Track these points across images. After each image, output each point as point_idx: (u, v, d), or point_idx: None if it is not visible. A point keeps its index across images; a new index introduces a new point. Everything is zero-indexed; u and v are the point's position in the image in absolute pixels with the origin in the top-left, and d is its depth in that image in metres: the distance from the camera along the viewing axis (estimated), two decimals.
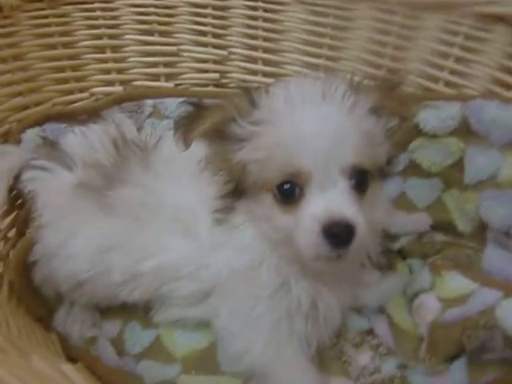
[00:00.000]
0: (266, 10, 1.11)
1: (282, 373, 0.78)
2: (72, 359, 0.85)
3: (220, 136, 0.72)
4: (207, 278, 0.80)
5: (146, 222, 0.81)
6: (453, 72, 1.02)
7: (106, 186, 0.83)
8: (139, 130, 1.01)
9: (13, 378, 0.45)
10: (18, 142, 1.00)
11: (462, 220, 0.97)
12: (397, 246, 1.02)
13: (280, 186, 0.68)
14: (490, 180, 0.92)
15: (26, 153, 0.94)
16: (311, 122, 0.67)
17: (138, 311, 0.92)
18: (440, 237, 1.00)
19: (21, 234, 0.90)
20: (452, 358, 0.78)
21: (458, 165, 0.97)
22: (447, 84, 1.03)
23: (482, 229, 0.94)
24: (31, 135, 1.01)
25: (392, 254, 1.03)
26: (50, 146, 0.95)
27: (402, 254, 1.03)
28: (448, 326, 0.77)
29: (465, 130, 0.95)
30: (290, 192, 0.68)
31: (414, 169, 1.01)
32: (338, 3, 1.05)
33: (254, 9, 1.11)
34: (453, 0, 0.96)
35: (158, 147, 0.87)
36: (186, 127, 0.71)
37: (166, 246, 0.81)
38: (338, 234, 0.64)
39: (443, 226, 0.99)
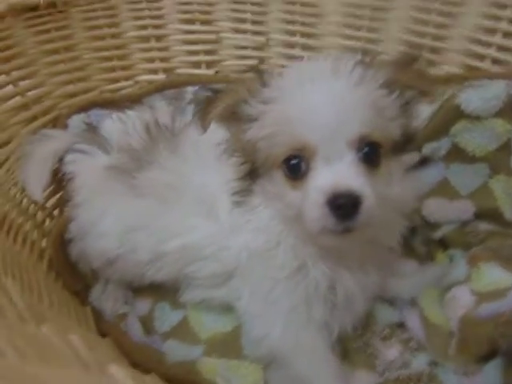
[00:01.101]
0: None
1: (301, 359, 0.73)
2: (103, 334, 0.85)
3: (234, 118, 0.70)
4: (228, 259, 0.77)
5: (171, 204, 0.80)
6: (500, 48, 0.89)
7: (135, 169, 0.82)
8: (178, 116, 1.00)
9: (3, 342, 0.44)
10: (65, 127, 1.02)
11: (509, 207, 0.86)
12: (438, 234, 0.93)
13: (287, 162, 0.65)
14: None
15: (71, 137, 0.96)
16: (316, 96, 0.63)
17: (167, 292, 0.90)
18: (484, 226, 0.88)
19: (62, 212, 0.92)
20: (486, 358, 0.67)
21: (506, 148, 0.86)
22: (494, 62, 0.90)
23: None
24: (77, 121, 1.03)
25: (433, 243, 0.93)
26: (92, 130, 0.95)
27: (444, 244, 0.92)
28: (480, 322, 0.67)
29: (510, 110, 0.84)
30: (297, 167, 0.64)
31: (458, 153, 0.90)
32: None
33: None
34: None
35: (186, 131, 0.84)
36: (202, 111, 0.69)
37: (190, 226, 0.79)
38: (344, 204, 0.60)
39: (488, 214, 0.88)
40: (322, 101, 0.62)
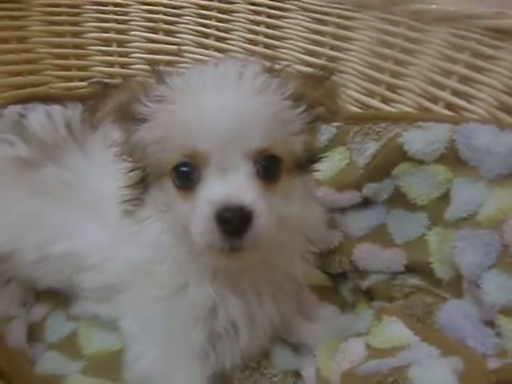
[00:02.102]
0: (269, 16, 1.07)
1: None
2: None
3: (125, 117, 0.66)
4: (111, 272, 0.75)
5: (65, 203, 0.79)
6: (455, 92, 0.87)
7: (40, 163, 0.82)
8: None
9: None
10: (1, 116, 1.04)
11: (441, 264, 0.82)
12: (365, 284, 0.89)
13: (177, 169, 0.61)
14: (471, 218, 0.76)
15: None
16: (212, 101, 0.59)
17: (66, 301, 0.87)
18: (413, 281, 0.84)
19: None
20: None
21: (445, 198, 0.83)
22: (448, 106, 0.88)
23: (460, 277, 0.78)
24: (11, 112, 1.04)
25: (358, 292, 0.89)
26: (19, 121, 0.95)
27: (369, 294, 0.88)
28: (356, 379, 0.61)
29: (453, 157, 0.82)
30: (187, 175, 0.61)
31: (400, 199, 0.88)
32: (340, 12, 0.97)
33: (258, 13, 1.07)
34: (460, 12, 0.84)
35: (100, 131, 0.84)
36: (92, 108, 0.67)
37: (80, 231, 0.78)
38: (231, 219, 0.56)
39: (419, 268, 0.84)
40: (219, 105, 0.59)
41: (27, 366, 0.78)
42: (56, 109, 0.93)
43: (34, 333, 0.87)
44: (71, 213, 0.78)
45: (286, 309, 0.75)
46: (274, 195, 0.61)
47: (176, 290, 0.70)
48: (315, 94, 0.65)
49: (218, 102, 0.59)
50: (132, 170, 0.69)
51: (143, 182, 0.68)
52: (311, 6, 1.00)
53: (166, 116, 0.62)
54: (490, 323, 0.69)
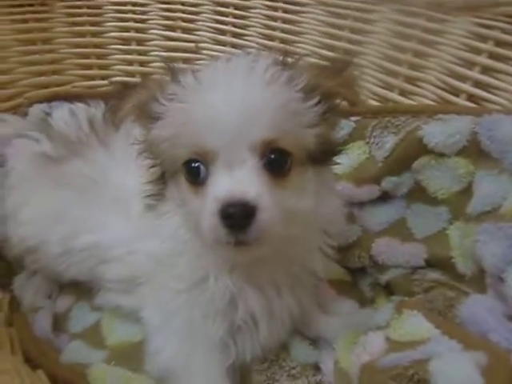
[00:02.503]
0: (285, 11, 1.06)
1: (191, 380, 0.69)
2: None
3: (144, 116, 0.67)
4: (135, 264, 0.76)
5: (90, 197, 0.80)
6: (477, 84, 0.85)
7: (64, 159, 0.84)
8: None
9: None
10: (25, 114, 1.06)
11: (463, 258, 0.79)
12: (384, 278, 0.88)
13: (187, 165, 0.61)
14: (494, 211, 0.74)
15: (23, 123, 1.00)
16: (219, 97, 0.59)
17: (89, 292, 0.88)
18: (433, 275, 0.82)
19: None
20: None
21: (467, 192, 0.81)
22: (470, 97, 0.86)
23: (483, 272, 0.75)
24: (36, 110, 1.06)
25: (377, 287, 0.88)
26: (45, 119, 0.98)
27: (388, 289, 0.86)
28: (376, 372, 0.60)
29: (475, 150, 0.80)
30: (196, 171, 0.61)
31: (420, 193, 0.87)
32: (357, 4, 0.95)
33: (274, 9, 1.07)
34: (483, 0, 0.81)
35: (123, 127, 0.85)
36: (114, 107, 0.69)
37: (104, 224, 0.79)
38: (234, 214, 0.56)
39: (440, 263, 0.82)
40: (226, 101, 0.58)
41: (53, 354, 0.81)
42: (79, 107, 0.94)
43: (58, 323, 0.89)
44: (94, 207, 0.80)
45: (304, 302, 0.75)
46: (283, 189, 0.60)
47: (196, 283, 0.70)
48: (330, 84, 0.63)
49: (225, 98, 0.59)
50: (152, 167, 0.70)
51: (163, 178, 0.69)
52: (328, 0, 0.99)
53: (178, 114, 0.63)
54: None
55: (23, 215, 0.84)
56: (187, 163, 0.61)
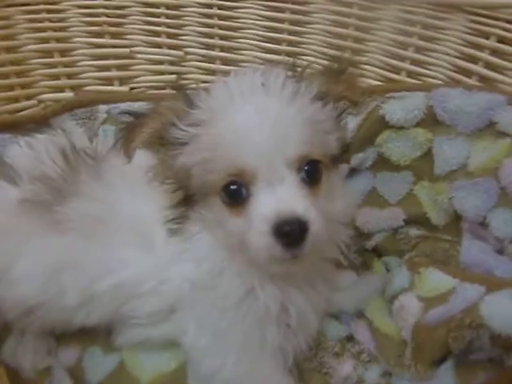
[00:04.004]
0: (220, 8, 1.02)
1: None
2: None
3: (161, 143, 0.66)
4: (169, 293, 0.71)
5: (100, 237, 0.71)
6: (414, 62, 0.95)
7: (54, 201, 0.72)
8: (92, 138, 0.92)
9: None
10: None
11: (436, 212, 0.90)
12: (371, 243, 0.95)
13: (226, 188, 0.61)
14: (461, 169, 0.86)
15: None
16: (249, 117, 0.60)
17: (97, 335, 0.80)
18: (414, 231, 0.92)
19: None
20: (438, 362, 0.69)
21: (428, 156, 0.91)
22: (409, 74, 0.95)
23: (456, 220, 0.88)
24: None
25: (367, 252, 0.95)
26: None
27: (378, 252, 0.94)
28: (432, 328, 0.68)
29: (431, 120, 0.89)
30: (236, 193, 0.61)
31: (383, 163, 0.94)
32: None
33: (209, 6, 1.02)
34: None
35: (109, 156, 0.76)
36: (125, 139, 0.64)
37: (124, 261, 0.71)
38: (290, 232, 0.57)
39: (417, 219, 0.92)
40: (255, 121, 0.59)
41: None
42: (38, 138, 0.80)
43: (75, 377, 0.77)
44: (108, 246, 0.71)
45: (330, 287, 0.78)
46: (318, 197, 0.63)
47: (242, 298, 0.69)
48: (338, 89, 0.66)
49: (255, 118, 0.60)
50: (175, 191, 0.67)
51: (186, 200, 0.67)
52: None
53: (207, 139, 0.62)
54: (501, 253, 0.80)
55: (17, 273, 0.70)
56: (226, 186, 0.60)
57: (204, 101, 0.64)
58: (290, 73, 0.66)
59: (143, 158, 0.67)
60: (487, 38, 0.86)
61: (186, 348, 0.74)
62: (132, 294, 0.72)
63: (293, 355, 0.73)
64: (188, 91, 0.66)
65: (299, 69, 0.67)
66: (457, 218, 0.86)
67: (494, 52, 0.85)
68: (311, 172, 0.62)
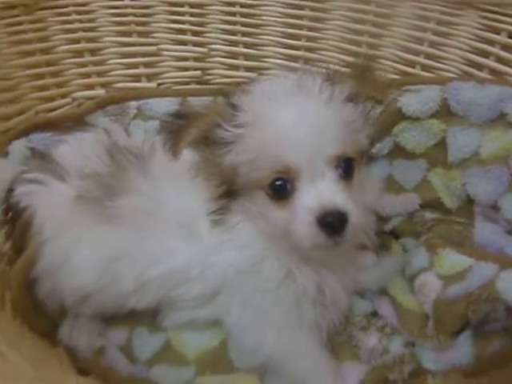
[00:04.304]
0: (242, 6, 1.06)
1: (297, 360, 0.77)
2: (83, 372, 0.79)
3: (207, 142, 0.72)
4: (214, 278, 0.78)
5: (150, 229, 0.78)
6: (428, 56, 1.00)
7: (105, 196, 0.78)
8: (127, 133, 0.98)
9: None
10: (6, 154, 0.92)
11: (449, 197, 0.97)
12: (389, 227, 1.02)
13: (272, 184, 0.68)
14: (474, 157, 0.94)
15: (16, 165, 0.88)
16: (292, 119, 0.67)
17: (144, 317, 0.87)
18: (429, 215, 0.99)
19: (17, 249, 0.83)
20: (457, 333, 0.77)
21: (441, 144, 0.98)
22: (424, 67, 1.02)
23: (468, 204, 0.96)
24: (18, 146, 0.94)
25: (385, 235, 1.02)
26: (41, 157, 0.89)
27: (395, 235, 1.02)
28: (452, 303, 0.76)
29: (445, 112, 0.96)
30: (282, 188, 0.68)
31: (399, 151, 1.01)
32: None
33: (231, 4, 1.06)
34: None
35: (154, 153, 0.82)
36: (173, 139, 0.70)
37: (172, 250, 0.78)
38: (332, 222, 0.65)
39: (431, 204, 0.99)
40: (297, 123, 0.66)
41: None
42: (86, 137, 0.86)
43: (126, 355, 0.84)
44: (158, 236, 0.78)
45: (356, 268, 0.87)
46: (352, 190, 0.70)
47: (282, 280, 0.77)
48: (367, 90, 0.74)
49: (298, 120, 0.66)
50: (219, 186, 0.74)
51: (228, 193, 0.74)
52: None
53: (253, 140, 0.69)
54: (511, 233, 0.88)
55: (76, 263, 0.77)
56: (272, 183, 0.68)
57: (246, 103, 0.70)
58: (324, 76, 0.71)
59: (186, 154, 0.72)
60: (498, 34, 0.91)
61: (229, 326, 0.80)
62: (180, 280, 0.79)
63: (326, 331, 0.80)
64: (230, 94, 0.71)
65: (331, 72, 0.73)
66: (469, 202, 0.94)
67: (505, 47, 0.91)
68: (347, 168, 0.69)
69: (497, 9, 0.89)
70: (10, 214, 0.85)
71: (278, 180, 0.68)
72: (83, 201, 0.79)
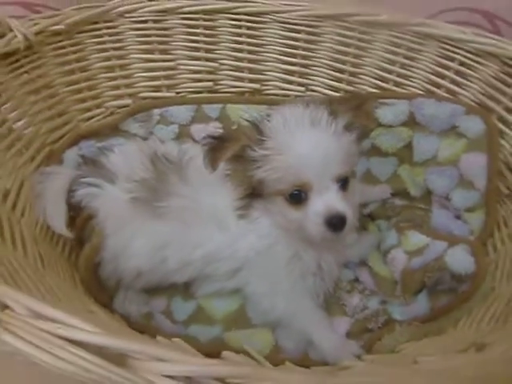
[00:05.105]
0: (248, 28, 1.23)
1: (301, 318, 0.96)
2: None
3: (239, 160, 0.88)
4: (240, 258, 0.97)
5: (190, 222, 0.96)
6: (399, 75, 1.21)
7: (153, 198, 0.96)
8: (149, 136, 1.17)
9: None
10: (60, 162, 1.09)
11: (414, 188, 1.18)
12: (367, 211, 1.19)
13: (291, 194, 0.87)
14: (433, 159, 1.13)
15: (73, 171, 1.04)
16: (307, 148, 0.84)
17: (179, 288, 1.05)
18: (398, 202, 1.19)
19: (78, 239, 1.02)
20: (417, 292, 0.98)
21: (408, 147, 1.18)
22: (396, 84, 1.22)
23: (428, 194, 1.17)
24: (71, 155, 1.10)
25: (364, 217, 1.20)
26: (93, 163, 1.05)
27: (372, 217, 1.20)
28: (414, 272, 0.97)
29: (412, 122, 1.15)
30: (298, 197, 0.87)
31: (375, 151, 1.20)
32: (307, 22, 1.20)
33: (238, 27, 1.23)
34: (395, 21, 1.15)
35: (191, 162, 1.00)
36: (212, 155, 0.87)
37: (208, 238, 0.97)
38: (336, 223, 0.84)
39: (400, 193, 1.18)
40: (312, 150, 0.84)
41: (191, 340, 0.92)
42: (130, 146, 1.06)
43: (168, 318, 1.03)
44: (197, 227, 0.97)
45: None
46: (347, 198, 0.87)
47: (290, 260, 0.96)
48: (360, 120, 0.92)
49: (313, 148, 0.84)
50: (244, 190, 0.93)
51: (251, 195, 0.93)
52: None
53: (276, 162, 0.85)
54: (458, 218, 1.13)
55: (133, 250, 0.96)
56: (291, 192, 0.88)
57: (270, 130, 0.87)
58: (328, 109, 0.88)
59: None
60: (452, 61, 1.12)
61: (249, 294, 0.99)
62: (213, 259, 0.96)
63: (323, 296, 0.99)
64: (257, 122, 0.89)
65: (333, 106, 0.90)
66: (429, 193, 1.16)
67: (457, 72, 1.12)
68: (344, 182, 0.88)
69: (451, 42, 1.10)
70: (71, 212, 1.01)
71: (295, 191, 0.86)
72: (136, 202, 0.96)
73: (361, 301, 1.06)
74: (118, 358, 0.54)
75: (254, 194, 0.92)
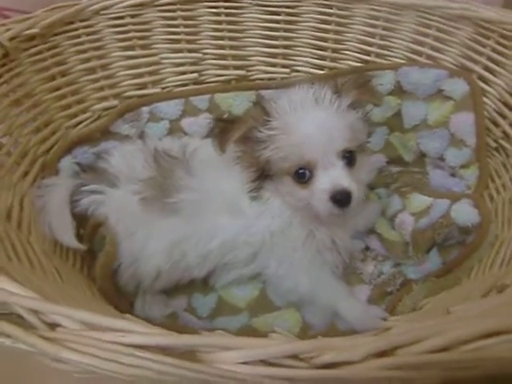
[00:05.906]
0: (227, 15, 1.21)
1: (324, 293, 0.97)
2: None
3: (246, 141, 0.89)
4: (256, 242, 0.96)
5: (203, 213, 0.95)
6: (380, 46, 1.24)
7: (162, 195, 0.94)
8: (141, 135, 1.13)
9: None
10: (57, 172, 1.04)
11: (407, 153, 1.22)
12: None
13: (296, 172, 0.88)
14: (423, 123, 1.17)
15: (71, 180, 1.00)
16: (311, 126, 0.85)
17: (196, 284, 1.05)
18: (394, 168, 1.23)
19: (89, 249, 0.98)
20: (428, 250, 1.01)
21: (398, 115, 1.21)
22: (377, 55, 1.25)
23: (421, 157, 1.21)
24: (66, 163, 1.05)
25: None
26: (92, 170, 1.01)
27: (370, 187, 1.18)
28: (423, 231, 1.00)
29: (399, 90, 1.19)
30: (304, 175, 0.88)
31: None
32: (286, 3, 1.20)
33: (218, 14, 1.21)
34: None
35: (195, 155, 0.99)
36: (221, 137, 0.88)
37: (223, 226, 0.96)
38: (341, 199, 0.85)
39: (394, 160, 1.22)
40: (316, 128, 0.85)
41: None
42: (128, 147, 1.03)
43: (192, 315, 1.02)
44: (211, 217, 0.96)
45: None
46: (354, 174, 0.88)
47: (305, 238, 0.97)
48: (365, 97, 0.94)
49: (317, 127, 0.85)
50: (254, 172, 0.93)
51: (261, 176, 0.93)
52: None
53: (283, 142, 0.86)
54: (454, 176, 1.17)
55: (150, 250, 0.94)
56: (296, 171, 0.88)
57: (276, 111, 0.88)
58: (332, 88, 0.90)
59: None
60: (429, 28, 1.16)
61: (269, 277, 0.99)
62: (231, 247, 0.96)
63: (341, 268, 1.02)
64: (263, 104, 0.89)
65: (339, 85, 0.91)
66: (422, 156, 1.20)
67: (436, 38, 1.16)
68: (350, 158, 0.88)
69: (428, 10, 1.13)
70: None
71: (300, 169, 0.87)
72: (145, 202, 0.94)
73: (375, 267, 1.08)
74: (188, 355, 0.54)
75: (263, 175, 0.93)
